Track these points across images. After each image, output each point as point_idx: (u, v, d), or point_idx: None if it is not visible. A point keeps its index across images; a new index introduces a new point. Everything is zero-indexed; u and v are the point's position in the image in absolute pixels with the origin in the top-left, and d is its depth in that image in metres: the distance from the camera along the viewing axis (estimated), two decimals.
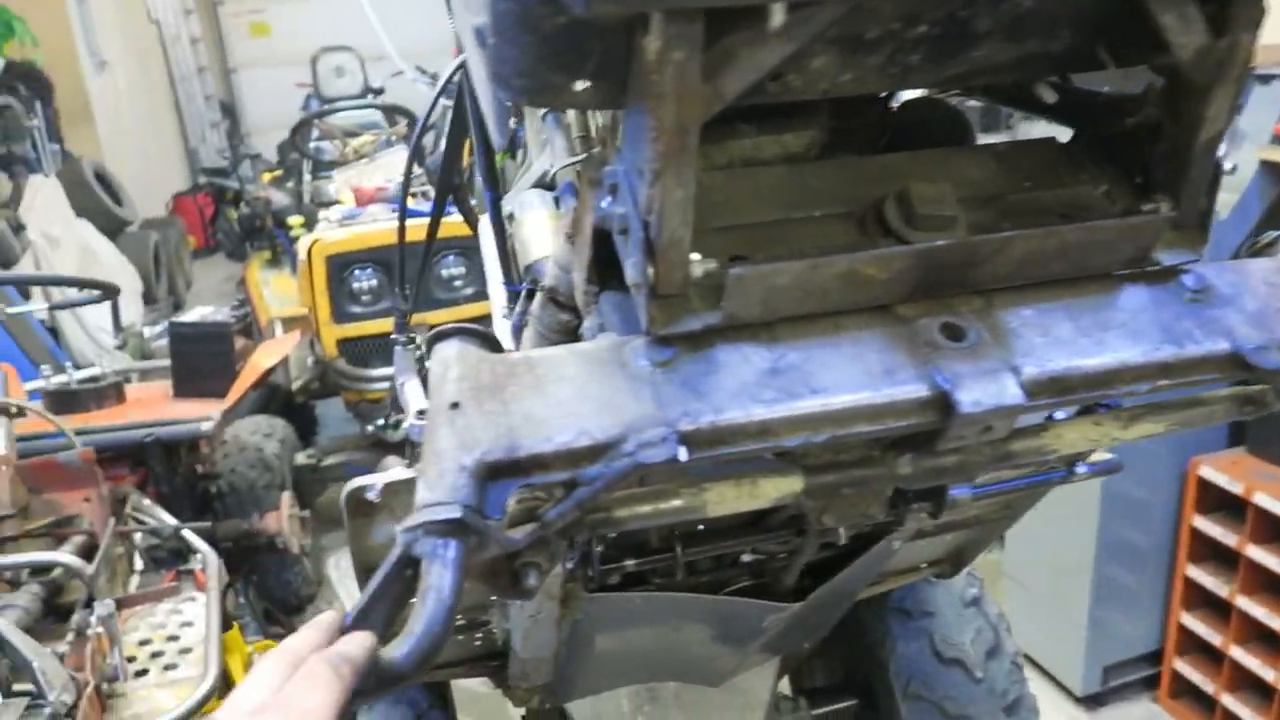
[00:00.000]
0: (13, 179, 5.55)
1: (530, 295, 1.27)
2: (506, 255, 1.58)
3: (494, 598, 1.23)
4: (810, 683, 2.97)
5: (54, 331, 5.17)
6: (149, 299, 7.35)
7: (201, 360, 3.46)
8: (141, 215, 8.66)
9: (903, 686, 2.43)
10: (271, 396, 4.79)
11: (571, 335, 1.10)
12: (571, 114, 1.16)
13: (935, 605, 2.50)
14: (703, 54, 0.68)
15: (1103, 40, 0.86)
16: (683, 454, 0.76)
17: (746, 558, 1.68)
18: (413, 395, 1.34)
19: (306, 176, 6.40)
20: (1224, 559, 3.17)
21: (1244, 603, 3.06)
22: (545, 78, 0.74)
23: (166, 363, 4.43)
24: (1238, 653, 3.12)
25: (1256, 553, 2.97)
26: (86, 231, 6.65)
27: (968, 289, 0.89)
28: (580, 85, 0.74)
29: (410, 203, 4.70)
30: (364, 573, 1.37)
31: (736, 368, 0.82)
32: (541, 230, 1.27)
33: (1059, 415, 1.03)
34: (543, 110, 1.20)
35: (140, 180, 9.26)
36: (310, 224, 5.36)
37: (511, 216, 1.32)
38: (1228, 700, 3.19)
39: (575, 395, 0.79)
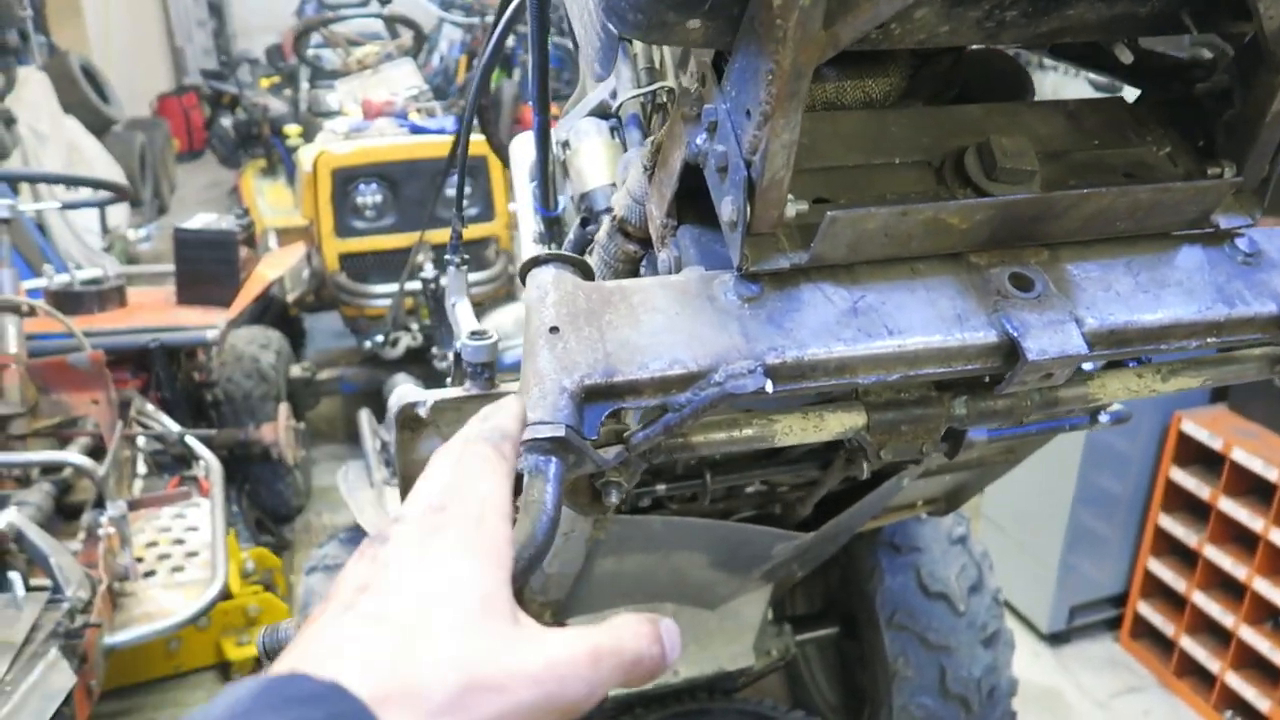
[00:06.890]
0: (3, 70, 5.35)
1: (584, 223, 1.29)
2: (547, 180, 1.59)
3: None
4: (792, 610, 3.07)
5: (41, 231, 5.08)
6: (133, 202, 7.22)
7: (206, 268, 3.43)
8: (126, 115, 8.45)
9: (887, 617, 2.53)
10: (267, 308, 4.76)
11: (634, 265, 1.13)
12: (639, 45, 1.17)
13: (924, 541, 2.59)
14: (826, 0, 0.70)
15: (1188, 5, 0.89)
16: (769, 386, 0.80)
17: (765, 488, 1.74)
18: (464, 316, 1.37)
19: (304, 84, 6.24)
20: (1195, 510, 3.31)
21: (1211, 552, 3.20)
22: (662, 14, 0.75)
23: (160, 268, 4.39)
24: (1200, 598, 3.27)
25: (1228, 505, 3.10)
26: (74, 128, 6.46)
27: (1036, 241, 0.93)
28: (694, 24, 0.76)
29: (416, 119, 4.66)
30: (407, 483, 1.41)
31: (819, 306, 0.86)
32: (598, 159, 1.29)
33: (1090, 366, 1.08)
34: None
35: (124, 79, 8.99)
36: (309, 134, 5.24)
37: (566, 144, 1.33)
38: (1186, 642, 3.36)
39: (667, 325, 0.82)
